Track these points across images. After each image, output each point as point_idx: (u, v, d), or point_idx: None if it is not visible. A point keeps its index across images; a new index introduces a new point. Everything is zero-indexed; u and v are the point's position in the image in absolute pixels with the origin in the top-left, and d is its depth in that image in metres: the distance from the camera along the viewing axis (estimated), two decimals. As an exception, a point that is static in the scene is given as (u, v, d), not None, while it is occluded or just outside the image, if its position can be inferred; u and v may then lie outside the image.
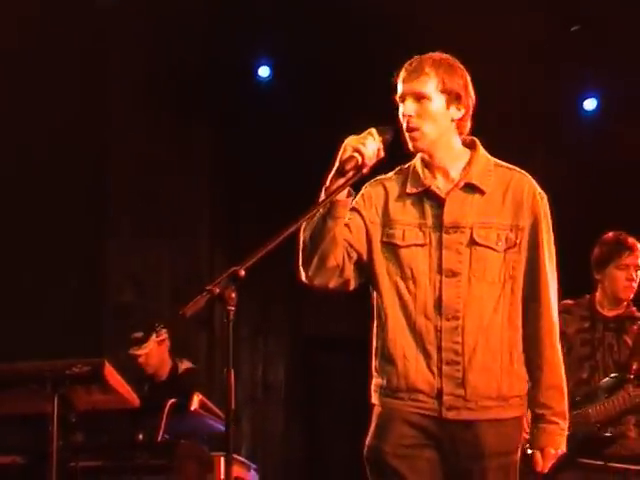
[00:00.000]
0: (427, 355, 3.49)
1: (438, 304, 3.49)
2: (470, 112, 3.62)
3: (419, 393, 3.50)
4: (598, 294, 5.27)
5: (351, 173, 3.43)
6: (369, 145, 3.45)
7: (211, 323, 7.09)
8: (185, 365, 6.50)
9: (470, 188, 3.57)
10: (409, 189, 3.61)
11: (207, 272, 7.45)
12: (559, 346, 3.57)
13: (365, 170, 3.47)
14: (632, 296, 5.24)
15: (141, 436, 5.60)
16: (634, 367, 5.10)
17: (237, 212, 7.58)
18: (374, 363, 3.61)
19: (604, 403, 5.08)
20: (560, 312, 5.22)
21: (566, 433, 3.56)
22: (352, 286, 3.63)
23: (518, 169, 3.64)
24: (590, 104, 8.03)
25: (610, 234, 5.30)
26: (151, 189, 7.89)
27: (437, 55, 3.58)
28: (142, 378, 6.35)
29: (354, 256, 3.58)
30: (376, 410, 3.60)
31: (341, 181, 3.43)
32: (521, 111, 7.82)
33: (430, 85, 3.53)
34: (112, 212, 7.88)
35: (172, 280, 7.82)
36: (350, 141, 3.46)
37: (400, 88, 3.57)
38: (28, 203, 7.25)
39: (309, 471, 7.57)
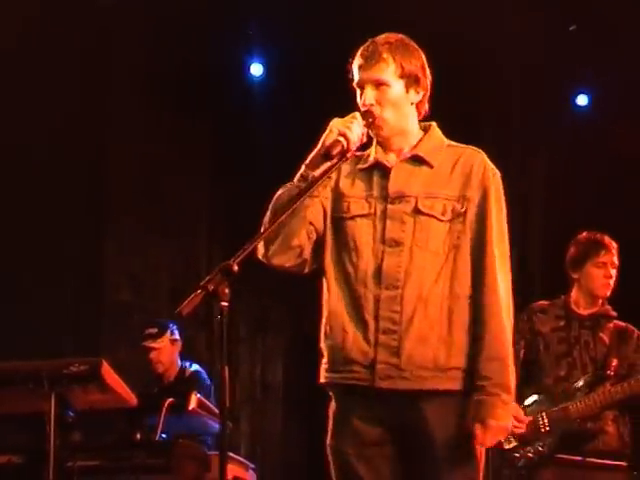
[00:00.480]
0: (365, 325, 3.46)
1: (378, 273, 3.47)
2: (428, 93, 3.61)
3: (354, 364, 3.47)
4: (574, 293, 5.33)
5: (336, 158, 3.43)
6: (355, 130, 3.45)
7: (210, 323, 7.06)
8: (191, 369, 6.55)
9: (417, 161, 3.57)
10: (360, 165, 3.60)
11: (205, 272, 7.42)
12: (506, 319, 3.50)
13: (349, 154, 3.47)
14: (608, 293, 5.27)
15: (139, 435, 5.56)
16: (612, 364, 5.14)
17: (236, 212, 7.58)
18: (321, 343, 3.60)
19: (584, 400, 5.11)
20: (536, 312, 5.34)
21: (511, 406, 3.49)
22: (308, 268, 3.62)
23: (473, 147, 3.61)
24: (582, 100, 8.02)
25: (584, 234, 5.35)
26: (150, 189, 7.93)
27: (392, 37, 3.55)
28: (151, 380, 6.33)
29: (313, 237, 3.58)
30: (331, 407, 3.58)
31: (327, 165, 3.43)
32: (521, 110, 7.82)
33: (389, 71, 3.51)
34: (111, 212, 7.91)
35: (170, 280, 7.86)
36: (336, 124, 3.46)
37: (358, 75, 3.56)
38: (27, 202, 7.27)
39: (308, 470, 7.57)
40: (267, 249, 3.54)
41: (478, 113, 7.61)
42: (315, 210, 3.58)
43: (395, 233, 3.49)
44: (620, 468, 5.15)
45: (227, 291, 3.15)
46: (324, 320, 3.59)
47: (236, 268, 3.17)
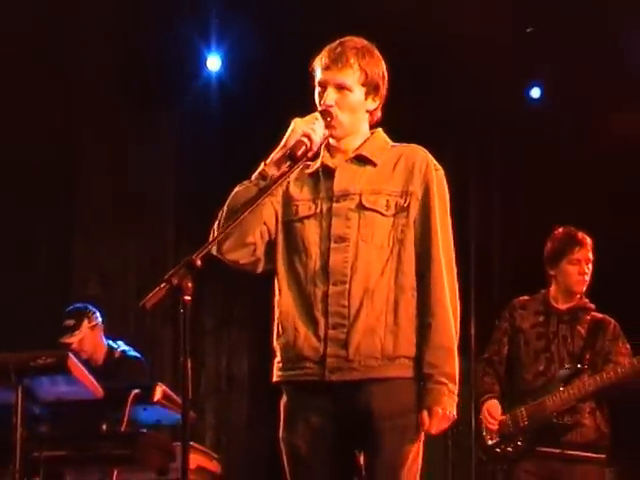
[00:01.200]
0: (315, 322, 3.49)
1: (325, 270, 3.50)
2: (382, 102, 3.65)
3: (305, 360, 3.51)
4: (552, 289, 5.38)
5: (299, 157, 3.45)
6: (317, 130, 3.48)
7: (176, 316, 7.05)
8: (119, 351, 6.44)
9: (361, 160, 3.60)
10: (307, 170, 3.63)
11: (172, 266, 7.41)
12: (452, 309, 3.52)
13: (310, 154, 3.50)
14: (585, 288, 5.32)
15: (105, 427, 5.55)
16: (587, 357, 5.18)
17: (202, 207, 7.55)
18: (273, 342, 3.64)
19: (560, 393, 5.16)
20: (517, 308, 5.39)
21: (456, 396, 3.49)
22: (261, 268, 3.66)
23: (416, 145, 3.64)
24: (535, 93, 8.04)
25: (560, 230, 5.40)
26: (117, 187, 7.89)
27: (359, 42, 3.58)
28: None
29: (266, 237, 3.62)
30: (283, 401, 3.61)
31: (288, 165, 3.46)
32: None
33: (353, 77, 3.54)
34: (80, 209, 7.87)
35: (138, 275, 7.86)
36: (299, 125, 3.49)
37: (321, 74, 3.58)
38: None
39: (272, 461, 7.54)
40: (222, 245, 3.55)
41: (432, 108, 7.57)
42: (268, 212, 3.62)
43: (340, 229, 3.52)
44: (598, 460, 5.20)
45: (190, 285, 3.17)
46: (276, 320, 3.62)
47: (199, 263, 3.19)
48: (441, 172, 3.60)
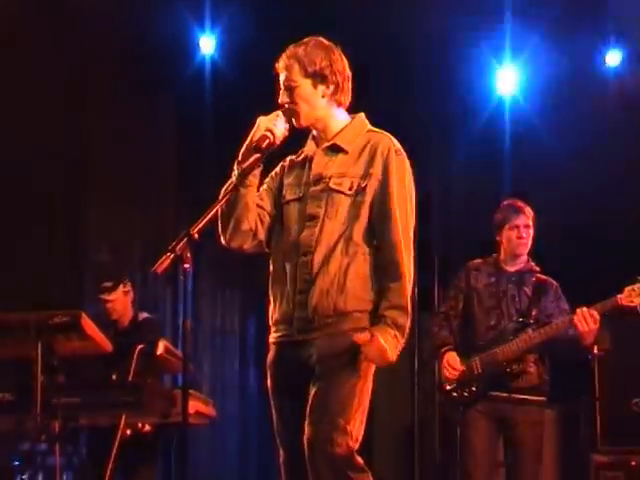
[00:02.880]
0: (287, 290, 3.55)
1: (297, 245, 3.55)
2: (342, 85, 3.65)
3: (281, 324, 3.58)
4: (501, 253, 5.40)
5: (264, 149, 3.50)
6: (279, 125, 3.54)
7: (175, 281, 7.06)
8: (143, 315, 6.49)
9: (334, 149, 3.64)
10: (298, 159, 3.71)
11: (172, 235, 7.41)
12: (407, 272, 3.53)
13: (275, 147, 3.54)
14: (526, 251, 5.32)
15: (114, 377, 5.60)
16: (533, 313, 5.22)
17: (200, 182, 7.57)
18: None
19: (509, 344, 5.17)
20: (471, 270, 5.42)
21: (399, 345, 3.48)
22: (267, 248, 3.70)
23: (386, 133, 3.66)
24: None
25: (505, 202, 5.41)
26: (124, 162, 7.83)
27: (300, 43, 3.63)
28: (107, 324, 6.34)
29: (267, 220, 3.66)
30: (268, 357, 3.66)
31: (256, 157, 3.50)
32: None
33: (293, 74, 3.58)
34: (91, 184, 7.82)
35: (143, 242, 7.78)
36: (262, 121, 3.55)
37: (280, 80, 3.64)
38: (20, 176, 7.15)
39: (262, 405, 7.59)
40: (224, 235, 3.63)
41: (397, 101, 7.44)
42: (265, 197, 3.69)
43: (312, 209, 3.58)
44: (539, 402, 5.22)
45: (189, 255, 3.25)
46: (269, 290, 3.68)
47: (197, 236, 3.27)
48: (402, 156, 3.60)
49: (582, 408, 6.31)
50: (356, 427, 3.45)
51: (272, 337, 3.65)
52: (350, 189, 3.56)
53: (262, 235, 3.67)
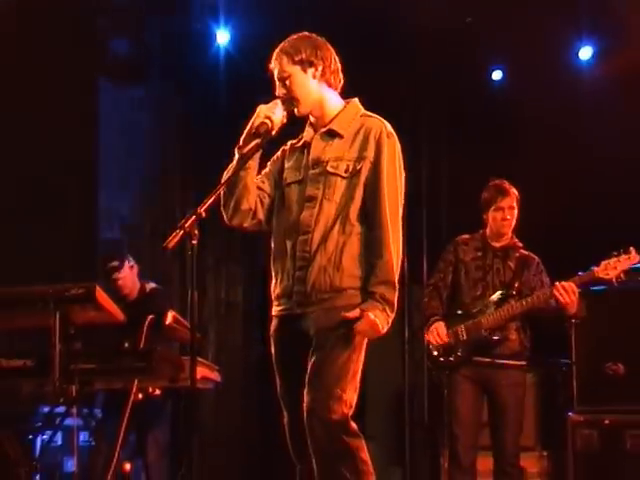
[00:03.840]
0: (287, 266, 3.59)
1: (297, 224, 3.58)
2: (331, 66, 3.68)
3: (282, 298, 3.62)
4: (487, 230, 5.40)
5: (263, 135, 3.54)
6: (277, 113, 3.58)
7: (182, 255, 7.09)
8: (150, 286, 6.50)
9: (330, 134, 3.67)
10: (297, 144, 3.75)
11: (179, 215, 7.45)
12: (394, 250, 3.55)
13: (273, 133, 3.58)
14: (510, 230, 5.34)
15: (126, 345, 5.61)
16: (516, 285, 5.24)
17: (203, 167, 7.57)
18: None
19: (493, 314, 5.21)
20: (460, 244, 5.44)
21: (389, 319, 3.52)
22: (265, 226, 3.75)
23: (379, 117, 3.68)
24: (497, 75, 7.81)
25: (491, 182, 5.41)
26: (133, 149, 7.85)
27: (290, 38, 3.68)
28: (117, 299, 6.37)
29: (266, 201, 3.70)
30: (271, 329, 3.71)
31: (256, 142, 3.55)
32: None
33: (284, 64, 3.63)
34: (103, 167, 7.83)
35: (151, 222, 7.81)
36: (262, 109, 3.60)
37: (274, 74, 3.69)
38: (36, 166, 7.15)
39: (264, 371, 7.61)
40: (226, 214, 3.68)
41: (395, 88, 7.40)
42: (266, 179, 3.72)
43: (312, 191, 3.61)
44: (520, 367, 5.29)
45: (197, 232, 3.30)
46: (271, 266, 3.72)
47: (204, 214, 3.32)
48: (393, 139, 3.63)
49: (560, 372, 6.33)
50: (350, 395, 3.51)
51: (275, 310, 3.69)
52: (346, 172, 3.59)
53: (261, 215, 3.71)
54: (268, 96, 3.73)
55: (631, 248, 5.03)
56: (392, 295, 3.54)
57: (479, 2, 6.96)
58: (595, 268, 5.07)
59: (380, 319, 3.50)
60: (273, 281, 3.69)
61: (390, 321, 3.55)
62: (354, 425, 3.52)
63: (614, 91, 6.86)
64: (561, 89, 7.12)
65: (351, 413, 3.52)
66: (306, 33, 3.71)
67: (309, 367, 3.51)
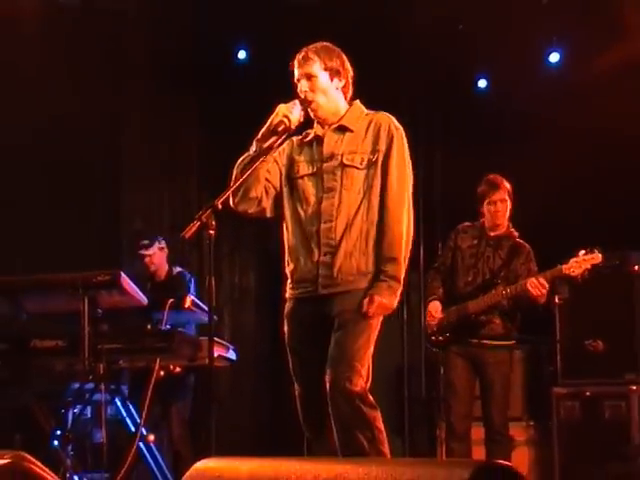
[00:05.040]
0: (311, 252, 3.59)
1: (319, 213, 3.58)
2: (350, 81, 3.70)
3: (304, 282, 3.62)
4: (485, 220, 5.37)
5: (281, 133, 3.55)
6: (295, 112, 3.58)
7: (200, 244, 7.12)
8: (177, 270, 6.53)
9: (342, 129, 3.68)
10: (306, 139, 3.73)
11: (196, 207, 7.46)
12: (405, 232, 3.59)
13: (291, 131, 3.60)
14: (504, 220, 5.33)
15: (149, 326, 5.63)
16: (502, 274, 5.24)
17: (218, 163, 7.56)
18: (285, 269, 3.72)
19: (479, 299, 5.21)
20: (460, 232, 5.43)
21: (396, 293, 3.57)
22: (268, 214, 3.75)
23: (385, 113, 3.70)
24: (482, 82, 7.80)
25: (486, 176, 5.41)
26: (154, 147, 7.86)
27: (319, 44, 3.68)
28: (145, 277, 6.39)
29: (272, 192, 3.70)
30: (286, 311, 3.72)
31: (273, 138, 3.55)
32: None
33: (315, 67, 3.62)
34: (127, 164, 7.86)
35: (170, 214, 7.82)
36: (281, 108, 3.59)
37: (296, 73, 3.65)
38: (65, 161, 7.18)
39: (275, 350, 7.64)
40: (234, 199, 3.66)
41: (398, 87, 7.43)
42: (272, 172, 3.71)
43: (329, 183, 3.61)
44: (506, 345, 5.28)
45: (214, 223, 3.33)
46: (286, 253, 3.72)
47: (220, 206, 3.35)
48: (400, 131, 3.67)
49: (545, 349, 6.37)
50: (367, 370, 3.56)
51: (291, 293, 3.69)
52: (361, 164, 3.61)
53: (265, 203, 3.71)
54: (268, 98, 3.75)
55: (595, 249, 5.03)
56: (396, 270, 3.58)
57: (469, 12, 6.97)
58: (563, 265, 5.06)
59: (387, 297, 3.55)
60: (291, 266, 3.68)
61: (398, 293, 3.60)
62: (371, 397, 3.57)
63: (584, 90, 6.82)
64: (538, 89, 7.09)
65: (368, 386, 3.57)
66: (331, 44, 3.72)
67: (332, 344, 3.54)
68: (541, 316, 5.98)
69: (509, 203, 5.31)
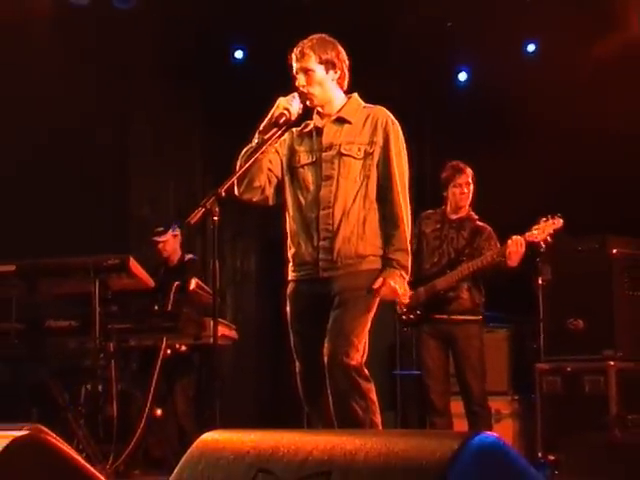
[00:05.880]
0: (311, 237, 3.61)
1: (317, 200, 3.59)
2: (345, 71, 3.69)
3: (306, 265, 3.63)
4: (447, 206, 5.37)
5: (282, 124, 3.55)
6: (294, 105, 3.58)
7: (204, 230, 7.11)
8: (189, 256, 6.56)
9: (340, 120, 3.68)
10: (306, 129, 3.73)
11: (200, 194, 7.47)
12: (406, 221, 3.62)
13: (291, 122, 3.60)
14: (467, 202, 5.33)
15: (156, 307, 5.67)
16: (466, 252, 5.24)
17: (222, 152, 7.56)
18: (287, 253, 3.73)
19: (447, 276, 5.21)
20: (423, 219, 5.42)
21: (405, 279, 3.62)
22: (271, 202, 3.76)
23: (381, 107, 3.70)
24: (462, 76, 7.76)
25: (449, 163, 5.38)
26: (161, 139, 7.86)
27: (315, 37, 3.67)
28: (159, 263, 6.41)
29: (274, 180, 3.70)
30: (288, 292, 3.72)
31: (274, 130, 3.56)
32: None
33: (311, 61, 3.61)
34: (135, 155, 7.86)
35: (176, 201, 7.83)
36: (281, 101, 3.60)
37: (294, 67, 3.65)
38: (78, 153, 7.18)
39: (275, 330, 7.65)
40: (239, 188, 3.66)
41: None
42: (274, 162, 3.71)
43: (328, 171, 3.62)
44: (475, 320, 5.25)
45: (217, 209, 3.33)
46: (288, 238, 3.72)
47: (223, 194, 3.35)
48: (397, 125, 3.69)
49: (529, 327, 6.37)
50: (363, 345, 3.57)
51: (293, 276, 3.70)
52: (358, 153, 3.61)
53: (268, 192, 3.72)
54: (266, 94, 3.75)
55: (557, 215, 5.03)
56: (406, 260, 3.62)
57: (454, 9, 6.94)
58: (526, 234, 5.06)
59: (399, 283, 3.59)
60: (292, 250, 3.69)
61: (406, 282, 3.64)
62: (366, 371, 3.59)
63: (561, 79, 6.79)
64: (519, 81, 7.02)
65: (364, 361, 3.58)
66: (326, 36, 3.71)
67: (330, 320, 3.55)
68: (524, 297, 6.02)
69: (472, 187, 5.30)
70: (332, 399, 3.54)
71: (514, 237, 5.03)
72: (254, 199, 3.74)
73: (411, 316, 5.31)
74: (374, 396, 3.58)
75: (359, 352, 3.55)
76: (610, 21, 6.51)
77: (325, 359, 3.53)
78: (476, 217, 5.37)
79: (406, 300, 5.11)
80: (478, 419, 5.14)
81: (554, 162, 6.80)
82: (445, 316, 5.21)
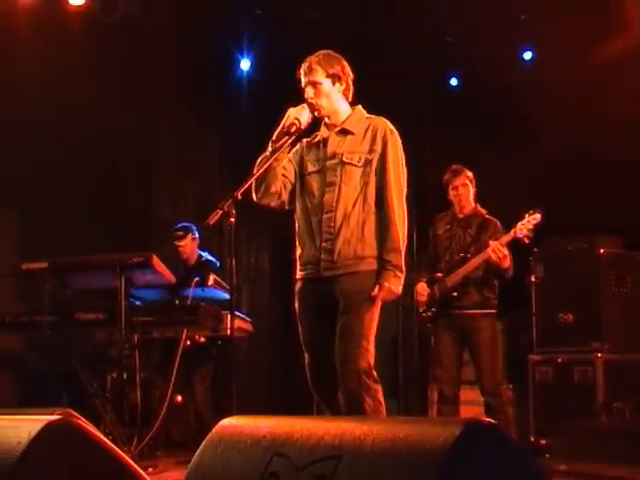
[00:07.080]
0: (314, 239, 3.62)
1: (321, 205, 3.61)
2: (350, 84, 3.71)
3: (309, 264, 3.65)
4: (454, 206, 5.34)
5: (293, 133, 3.56)
6: (304, 115, 3.60)
7: (221, 230, 7.13)
8: (207, 256, 6.55)
9: (344, 132, 3.70)
10: (314, 140, 3.75)
11: (218, 198, 7.46)
12: (400, 224, 3.61)
13: (301, 131, 3.61)
14: (468, 202, 5.27)
15: (177, 301, 5.68)
16: (472, 248, 5.19)
17: (237, 159, 7.57)
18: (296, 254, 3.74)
19: (453, 274, 5.18)
20: (437, 221, 5.38)
21: (401, 280, 3.59)
22: (287, 207, 3.77)
23: (382, 118, 3.71)
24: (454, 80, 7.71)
25: (449, 167, 5.35)
26: (181, 144, 7.86)
27: (321, 52, 3.68)
28: (179, 263, 6.42)
29: (289, 186, 3.72)
30: (296, 289, 3.73)
31: (286, 138, 3.57)
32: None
33: (318, 74, 3.63)
34: (157, 159, 7.86)
35: (195, 203, 7.83)
36: (291, 111, 3.61)
37: (302, 81, 3.67)
38: (104, 156, 7.18)
39: (287, 324, 7.64)
40: (256, 195, 3.69)
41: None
42: (288, 169, 3.73)
43: (331, 178, 3.64)
44: (487, 314, 5.16)
45: (234, 211, 3.34)
46: (296, 239, 3.74)
47: (240, 197, 3.36)
48: (395, 135, 3.69)
49: (522, 321, 6.37)
50: (372, 347, 3.58)
51: (299, 274, 3.71)
52: (359, 162, 3.63)
53: (284, 197, 3.74)
54: (279, 104, 3.75)
55: (537, 210, 5.00)
56: (398, 259, 3.61)
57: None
58: (512, 229, 5.03)
59: (394, 284, 3.58)
60: (299, 251, 3.71)
61: (402, 281, 3.63)
62: (375, 373, 3.60)
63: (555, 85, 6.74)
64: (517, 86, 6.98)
65: (373, 363, 3.58)
66: (333, 52, 3.72)
67: (339, 325, 3.56)
68: (519, 292, 6.00)
69: (471, 187, 5.26)
70: (344, 398, 3.57)
71: (490, 243, 5.00)
72: (272, 204, 3.76)
73: (429, 314, 5.30)
74: (381, 397, 3.59)
75: (369, 354, 3.56)
76: (607, 27, 6.46)
77: (337, 363, 3.55)
78: (484, 211, 5.31)
79: (424, 298, 5.14)
80: (491, 408, 5.08)
81: (550, 165, 6.77)
82: (457, 311, 5.17)
